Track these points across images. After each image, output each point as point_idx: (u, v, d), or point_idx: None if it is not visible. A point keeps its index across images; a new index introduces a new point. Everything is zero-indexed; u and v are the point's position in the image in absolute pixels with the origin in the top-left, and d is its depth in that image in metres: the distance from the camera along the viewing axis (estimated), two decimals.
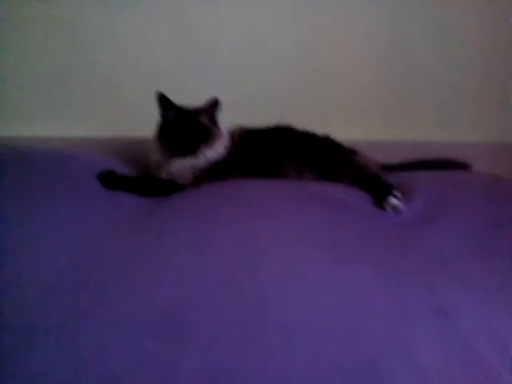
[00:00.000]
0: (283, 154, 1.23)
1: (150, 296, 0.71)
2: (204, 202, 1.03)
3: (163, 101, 1.19)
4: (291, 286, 0.71)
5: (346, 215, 0.96)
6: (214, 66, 1.50)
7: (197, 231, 0.87)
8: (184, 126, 1.18)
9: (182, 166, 1.19)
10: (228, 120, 1.26)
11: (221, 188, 1.11)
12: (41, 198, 0.98)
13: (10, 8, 1.41)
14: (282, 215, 0.94)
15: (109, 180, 1.12)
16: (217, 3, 1.47)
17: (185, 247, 0.83)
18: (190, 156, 1.19)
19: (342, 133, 1.33)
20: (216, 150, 1.21)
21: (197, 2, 1.47)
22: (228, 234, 0.85)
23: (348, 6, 1.53)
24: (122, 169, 1.21)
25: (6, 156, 1.11)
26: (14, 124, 1.48)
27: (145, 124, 1.25)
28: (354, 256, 0.81)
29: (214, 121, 1.22)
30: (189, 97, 1.20)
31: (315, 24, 1.53)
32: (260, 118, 1.30)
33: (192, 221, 0.93)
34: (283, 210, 0.97)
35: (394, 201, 1.04)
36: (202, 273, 0.75)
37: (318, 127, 1.31)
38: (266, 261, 0.76)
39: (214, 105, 1.21)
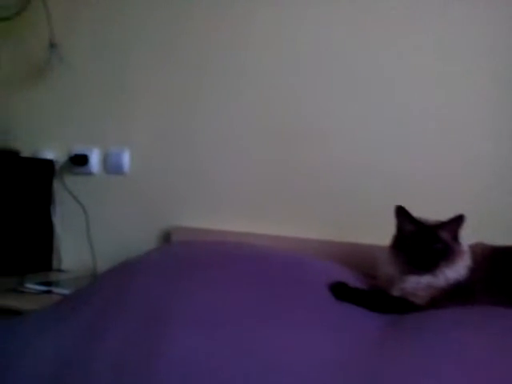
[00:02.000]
0: None
1: None
2: (451, 334, 0.92)
3: (402, 214, 1.15)
4: None
5: None
6: (452, 178, 1.42)
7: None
8: (423, 241, 1.11)
9: (417, 284, 1.10)
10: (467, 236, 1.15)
11: (467, 316, 0.98)
12: (274, 302, 0.99)
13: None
14: None
15: (340, 291, 1.09)
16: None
17: None
18: (428, 273, 1.10)
19: None
20: (457, 270, 1.10)
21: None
22: None
23: None
24: (350, 278, 1.18)
25: (240, 256, 1.18)
26: (237, 220, 1.60)
27: (374, 231, 1.23)
28: None
29: (455, 237, 1.13)
30: (427, 211, 1.14)
31: None
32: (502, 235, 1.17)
33: (444, 360, 0.82)
34: None
35: None
36: None
37: None
38: None
39: (457, 221, 1.12)
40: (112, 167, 1.79)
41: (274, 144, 1.58)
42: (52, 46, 1.82)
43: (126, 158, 1.77)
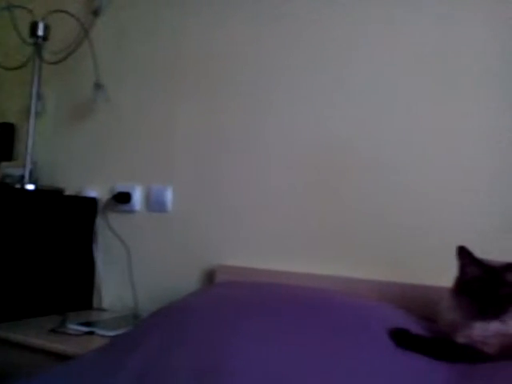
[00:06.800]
0: None
1: None
2: None
3: (464, 255, 1.08)
4: None
5: None
6: None
7: None
8: (488, 285, 1.04)
9: (485, 331, 1.02)
10: None
11: None
12: (336, 353, 0.93)
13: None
14: None
15: (402, 338, 1.03)
16: None
17: None
18: (496, 320, 1.03)
19: None
20: None
21: None
22: None
23: None
24: (411, 323, 1.11)
25: (298, 300, 1.13)
26: (283, 259, 1.56)
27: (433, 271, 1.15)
28: None
29: None
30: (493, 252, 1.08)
31: None
32: None
33: None
34: None
35: None
36: None
37: None
38: None
39: None
40: (154, 205, 1.79)
41: (323, 179, 1.53)
42: (97, 86, 1.86)
43: (168, 196, 1.77)
